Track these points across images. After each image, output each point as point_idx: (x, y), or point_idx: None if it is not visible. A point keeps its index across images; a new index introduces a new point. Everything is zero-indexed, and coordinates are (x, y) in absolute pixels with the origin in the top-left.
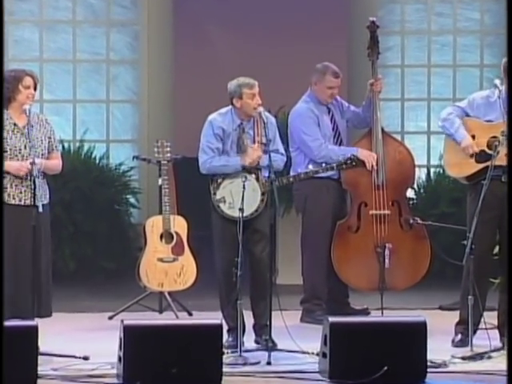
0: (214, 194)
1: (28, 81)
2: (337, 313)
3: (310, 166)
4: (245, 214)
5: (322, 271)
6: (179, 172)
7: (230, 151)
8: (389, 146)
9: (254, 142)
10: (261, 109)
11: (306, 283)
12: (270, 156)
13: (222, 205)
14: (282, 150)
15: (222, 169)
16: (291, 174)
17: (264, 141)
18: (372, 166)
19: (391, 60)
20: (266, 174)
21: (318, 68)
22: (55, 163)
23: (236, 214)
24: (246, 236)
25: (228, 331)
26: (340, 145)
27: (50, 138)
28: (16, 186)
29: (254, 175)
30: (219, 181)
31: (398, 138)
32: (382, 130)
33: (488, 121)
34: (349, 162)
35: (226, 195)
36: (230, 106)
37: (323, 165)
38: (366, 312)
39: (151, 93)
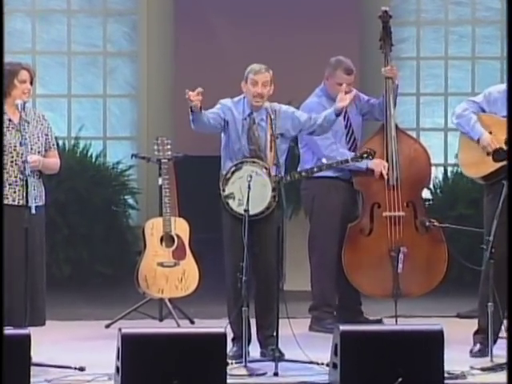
0: (223, 190)
1: (24, 75)
2: (349, 321)
3: (324, 160)
4: (255, 212)
5: (331, 276)
6: (180, 171)
7: (241, 139)
8: (403, 143)
9: (267, 135)
10: (267, 104)
11: (315, 289)
12: (276, 152)
13: (230, 201)
14: (312, 115)
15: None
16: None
17: (274, 134)
18: (381, 174)
19: (406, 52)
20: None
21: (331, 62)
22: (53, 162)
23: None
24: (252, 238)
25: (233, 340)
26: (353, 143)
27: (47, 135)
28: (10, 184)
29: (264, 170)
30: (228, 176)
31: (413, 135)
32: (396, 126)
33: (505, 116)
34: (365, 155)
35: (235, 191)
36: (243, 94)
37: (338, 158)
38: (380, 323)
39: (151, 87)
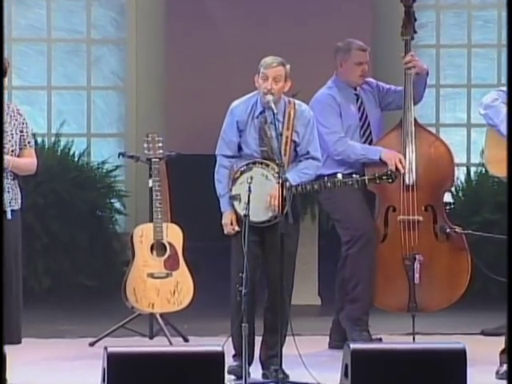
0: (230, 189)
1: None
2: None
3: (339, 175)
4: (261, 219)
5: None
6: (173, 172)
7: (252, 142)
8: (423, 140)
9: (280, 136)
10: (269, 97)
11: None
12: (280, 153)
13: (236, 203)
14: (315, 153)
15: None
16: None
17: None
18: (396, 168)
19: (424, 39)
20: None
21: (341, 46)
22: (28, 162)
23: (251, 217)
24: (261, 248)
25: (234, 356)
26: (368, 137)
27: (22, 131)
28: None
29: (276, 174)
30: (237, 175)
31: (433, 131)
32: (415, 120)
33: None
34: (385, 177)
35: (241, 193)
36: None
37: (354, 175)
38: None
39: (140, 78)
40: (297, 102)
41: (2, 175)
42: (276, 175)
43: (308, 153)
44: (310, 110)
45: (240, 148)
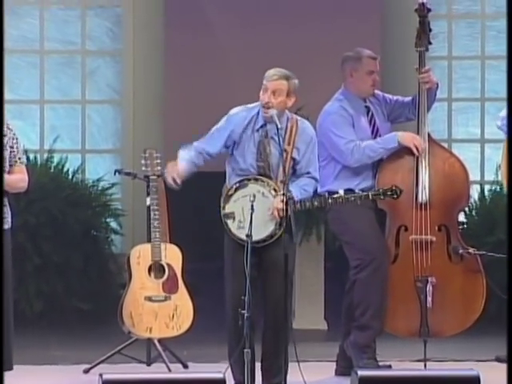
0: (223, 207)
1: None
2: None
3: (341, 192)
4: (257, 239)
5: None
6: (172, 190)
7: (249, 156)
8: (436, 156)
9: (281, 152)
10: (272, 112)
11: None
12: (284, 169)
13: (229, 222)
14: (315, 174)
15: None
16: (318, 189)
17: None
18: (418, 149)
19: (436, 51)
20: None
21: (350, 55)
22: (19, 178)
23: (245, 236)
24: (257, 268)
25: None
26: None
27: (12, 147)
28: None
29: (273, 192)
30: (230, 192)
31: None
32: (429, 136)
33: None
34: (389, 193)
35: (236, 211)
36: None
37: (356, 191)
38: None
39: (137, 91)
40: (299, 118)
41: (1, 176)
42: (273, 192)
43: (309, 173)
44: (313, 129)
45: (235, 161)
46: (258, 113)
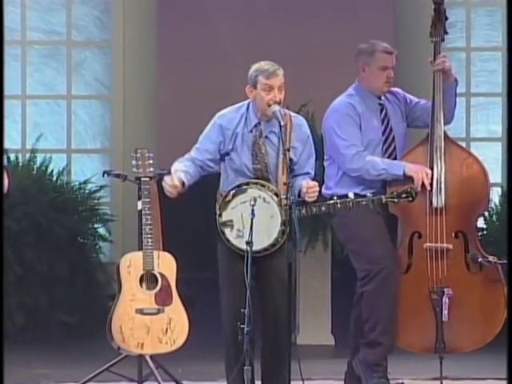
0: (220, 215)
1: None
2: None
3: (351, 194)
4: (257, 248)
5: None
6: (165, 193)
7: (245, 158)
8: (453, 156)
9: (277, 152)
10: (276, 107)
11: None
12: (286, 170)
13: (227, 230)
14: (312, 173)
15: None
16: (323, 191)
17: (285, 150)
18: (423, 183)
19: (453, 41)
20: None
21: (363, 48)
22: None
23: (244, 246)
24: (256, 278)
25: None
26: (392, 154)
27: None
28: None
29: (275, 197)
30: (228, 198)
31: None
32: (445, 134)
33: None
34: (404, 195)
35: (234, 218)
36: (249, 100)
37: (368, 194)
38: None
39: (127, 86)
40: (293, 114)
41: (1, 176)
42: (275, 197)
43: (307, 173)
44: (305, 124)
45: (230, 165)
46: (248, 112)
